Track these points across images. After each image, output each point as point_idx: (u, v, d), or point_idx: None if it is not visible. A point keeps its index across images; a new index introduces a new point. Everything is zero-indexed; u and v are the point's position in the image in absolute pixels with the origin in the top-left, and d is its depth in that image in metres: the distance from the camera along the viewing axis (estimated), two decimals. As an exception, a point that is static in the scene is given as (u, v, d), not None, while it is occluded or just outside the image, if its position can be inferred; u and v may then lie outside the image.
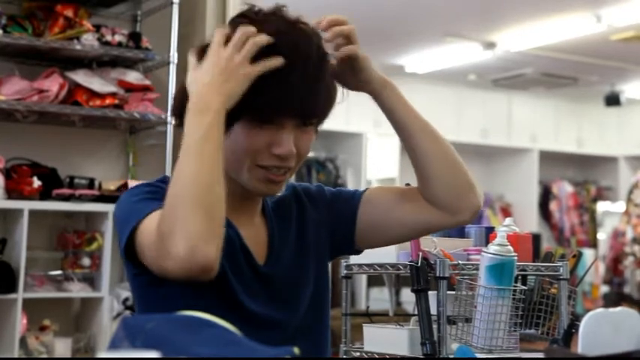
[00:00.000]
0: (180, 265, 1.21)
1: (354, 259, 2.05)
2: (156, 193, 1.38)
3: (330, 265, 1.62)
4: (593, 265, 7.96)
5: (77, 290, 3.61)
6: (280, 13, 1.39)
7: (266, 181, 1.41)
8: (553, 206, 9.51)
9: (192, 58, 1.38)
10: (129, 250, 1.35)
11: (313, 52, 1.37)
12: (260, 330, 1.34)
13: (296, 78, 1.34)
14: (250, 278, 1.44)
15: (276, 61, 1.33)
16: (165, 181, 1.44)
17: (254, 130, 1.38)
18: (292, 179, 1.62)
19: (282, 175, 1.42)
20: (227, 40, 1.35)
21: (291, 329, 1.45)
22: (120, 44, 3.62)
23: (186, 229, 1.21)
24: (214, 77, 1.31)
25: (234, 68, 1.32)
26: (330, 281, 1.60)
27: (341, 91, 1.46)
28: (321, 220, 1.56)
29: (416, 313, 1.80)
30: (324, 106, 1.42)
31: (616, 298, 7.78)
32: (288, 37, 1.36)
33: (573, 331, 1.74)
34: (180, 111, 1.42)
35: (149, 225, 1.31)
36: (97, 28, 3.61)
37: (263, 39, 1.33)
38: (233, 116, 1.34)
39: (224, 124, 1.31)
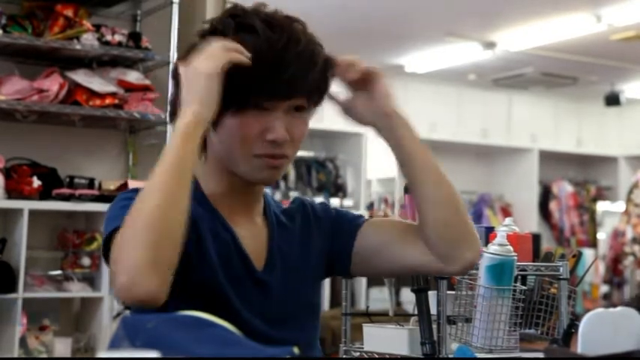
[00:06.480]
0: (123, 294, 1.19)
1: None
2: None
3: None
4: (593, 265, 7.96)
5: (77, 290, 3.61)
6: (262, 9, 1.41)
7: (264, 168, 1.41)
8: (553, 206, 9.50)
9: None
10: (106, 254, 1.33)
11: (294, 34, 1.37)
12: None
13: (280, 59, 1.35)
14: (246, 284, 1.42)
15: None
16: None
17: (245, 119, 1.38)
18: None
19: (280, 160, 1.41)
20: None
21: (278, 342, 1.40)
22: (120, 44, 3.62)
23: (127, 261, 1.19)
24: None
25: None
26: (320, 300, 1.57)
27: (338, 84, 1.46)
28: (322, 237, 1.54)
29: (416, 313, 1.80)
30: (312, 87, 1.41)
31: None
32: (273, 23, 1.37)
33: (573, 331, 1.74)
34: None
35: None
36: (97, 27, 3.61)
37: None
38: (222, 107, 1.34)
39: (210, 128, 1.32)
